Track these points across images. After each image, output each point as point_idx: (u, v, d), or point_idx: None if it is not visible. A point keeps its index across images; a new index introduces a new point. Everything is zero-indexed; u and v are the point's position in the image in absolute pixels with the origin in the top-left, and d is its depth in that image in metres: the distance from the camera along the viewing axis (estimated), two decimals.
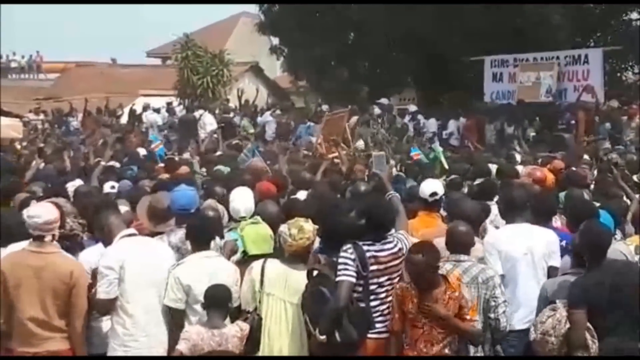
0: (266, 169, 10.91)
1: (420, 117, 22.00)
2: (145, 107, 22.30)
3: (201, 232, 6.07)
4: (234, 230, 6.80)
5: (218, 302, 5.58)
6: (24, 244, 5.88)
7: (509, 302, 5.92)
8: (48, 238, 5.75)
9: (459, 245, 5.99)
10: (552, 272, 6.20)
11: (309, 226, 5.80)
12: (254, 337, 5.61)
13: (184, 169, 11.11)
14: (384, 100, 23.56)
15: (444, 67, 24.21)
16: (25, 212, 5.81)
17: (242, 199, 7.21)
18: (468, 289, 5.74)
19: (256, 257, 6.14)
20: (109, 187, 9.35)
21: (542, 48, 21.38)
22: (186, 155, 13.53)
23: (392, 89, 27.16)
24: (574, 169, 10.52)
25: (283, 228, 5.85)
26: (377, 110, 22.06)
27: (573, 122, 18.76)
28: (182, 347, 5.46)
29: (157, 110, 22.86)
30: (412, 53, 25.27)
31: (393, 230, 5.92)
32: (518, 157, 12.68)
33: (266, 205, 7.19)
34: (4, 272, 5.60)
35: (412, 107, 23.47)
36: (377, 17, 24.59)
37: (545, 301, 5.69)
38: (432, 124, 21.54)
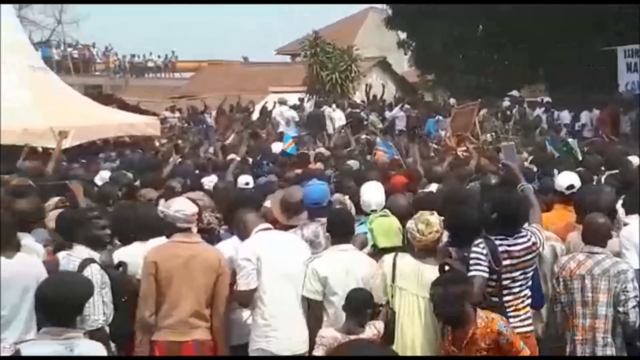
0: (400, 162, 10.95)
1: (553, 109, 21.55)
2: (282, 103, 22.59)
3: (342, 226, 6.14)
4: (364, 224, 6.84)
5: (358, 308, 5.57)
6: (162, 239, 6.12)
7: None
8: (194, 229, 5.99)
9: (595, 236, 5.87)
10: None
11: (435, 219, 5.75)
12: (388, 332, 5.62)
13: (315, 164, 11.28)
14: (515, 93, 23.17)
15: (576, 58, 23.58)
16: (170, 207, 6.01)
17: (372, 192, 7.28)
18: (599, 281, 5.63)
19: (386, 250, 6.15)
20: (243, 182, 9.52)
21: None
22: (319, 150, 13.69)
23: (522, 81, 26.65)
24: None
25: (410, 224, 5.81)
26: (506, 103, 21.73)
27: None
28: (320, 352, 5.50)
29: (294, 107, 23.17)
30: (542, 44, 24.73)
31: (526, 224, 5.82)
32: None
33: (397, 199, 7.20)
34: (157, 263, 5.77)
35: (545, 99, 22.99)
36: (505, 8, 24.18)
37: None
38: (565, 116, 21.07)
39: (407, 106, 23.39)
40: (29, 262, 5.63)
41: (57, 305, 4.42)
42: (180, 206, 5.98)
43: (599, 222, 5.96)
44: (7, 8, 18.23)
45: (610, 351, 5.78)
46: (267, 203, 7.13)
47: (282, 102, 22.52)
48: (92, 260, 5.70)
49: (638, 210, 6.54)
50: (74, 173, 10.57)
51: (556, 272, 6.03)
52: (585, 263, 5.74)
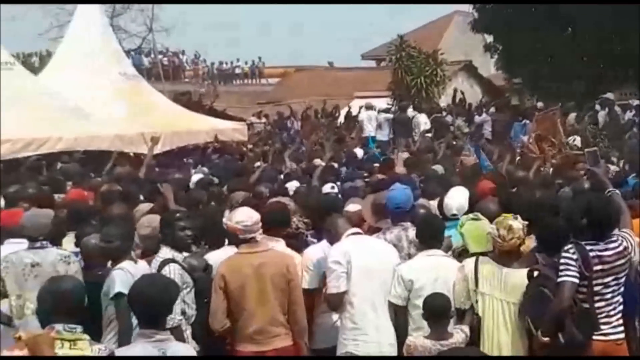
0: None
1: None
2: (369, 107, 22.57)
3: (430, 231, 6.17)
4: (448, 228, 6.80)
5: (442, 313, 5.59)
6: (230, 249, 6.26)
7: None
8: (259, 237, 6.02)
9: None
10: None
11: (517, 224, 5.71)
12: (473, 337, 5.61)
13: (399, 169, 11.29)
14: (606, 95, 22.68)
15: None
16: (231, 219, 6.06)
17: (455, 197, 7.28)
18: None
19: (475, 254, 6.13)
20: (329, 187, 9.57)
21: None
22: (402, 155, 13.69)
23: (611, 83, 26.03)
24: None
25: (492, 229, 5.78)
26: (596, 107, 21.27)
27: None
28: None
29: (386, 111, 23.12)
30: (632, 46, 24.12)
31: (616, 230, 5.72)
32: None
33: (487, 204, 7.10)
34: (226, 276, 5.83)
35: (635, 102, 22.39)
36: (592, 10, 23.70)
37: None
38: None
39: (492, 110, 23.11)
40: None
41: (147, 307, 4.55)
42: (241, 217, 5.99)
43: None
44: (100, 17, 18.80)
45: None
46: (349, 207, 7.18)
47: (369, 107, 22.50)
48: (172, 261, 5.86)
49: None
50: (165, 178, 10.82)
51: None
52: None
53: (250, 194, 8.85)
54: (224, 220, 6.27)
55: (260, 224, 6.02)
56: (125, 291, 5.38)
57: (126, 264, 5.79)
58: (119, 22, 37.11)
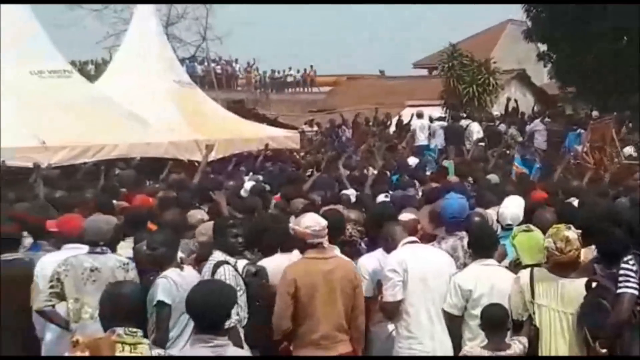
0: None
1: None
2: (419, 116, 22.48)
3: (484, 240, 6.14)
4: (506, 237, 6.72)
5: (500, 324, 5.56)
6: (289, 255, 6.30)
7: None
8: (326, 243, 6.05)
9: None
10: None
11: (573, 235, 5.65)
12: (532, 349, 5.56)
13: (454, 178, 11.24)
14: None
15: None
16: (299, 223, 6.09)
17: (509, 206, 7.24)
18: None
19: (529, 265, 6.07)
20: (382, 196, 9.57)
21: None
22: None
23: None
24: None
25: (548, 241, 5.70)
26: None
27: None
28: None
29: (440, 119, 23.02)
30: None
31: None
32: None
33: (543, 214, 7.07)
34: (297, 280, 5.84)
35: None
36: None
37: None
38: None
39: (547, 119, 22.88)
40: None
41: (206, 312, 4.57)
42: (310, 222, 6.03)
43: None
44: (156, 26, 19.08)
45: None
46: (403, 216, 7.20)
47: (420, 115, 22.42)
48: (225, 262, 5.92)
49: None
50: (218, 185, 10.93)
51: None
52: None
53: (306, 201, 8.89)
54: (291, 225, 6.29)
55: (326, 230, 6.05)
56: (167, 300, 5.58)
57: (170, 272, 5.85)
58: (173, 31, 37.65)
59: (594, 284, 5.41)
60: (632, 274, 5.35)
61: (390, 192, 10.01)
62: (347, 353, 5.93)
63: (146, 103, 16.17)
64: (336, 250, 6.38)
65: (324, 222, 6.06)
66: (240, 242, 6.23)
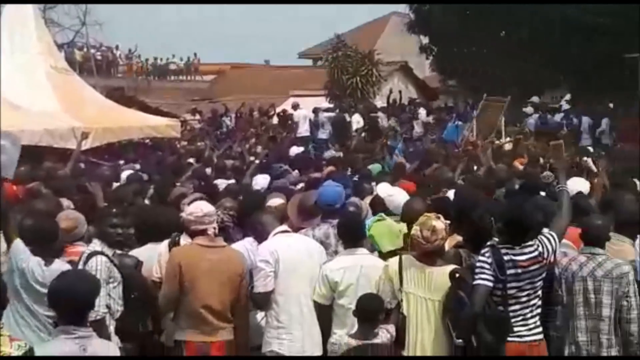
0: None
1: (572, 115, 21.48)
2: (295, 106, 22.53)
3: (352, 230, 6.16)
4: None
5: (371, 313, 5.58)
6: (158, 245, 6.24)
7: None
8: (211, 231, 6.03)
9: (594, 238, 5.88)
10: None
11: (440, 225, 5.67)
12: (399, 337, 5.63)
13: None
14: (534, 99, 23.13)
15: (605, 64, 23.47)
16: (185, 211, 6.17)
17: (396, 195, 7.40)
18: (600, 283, 5.68)
19: (390, 253, 6.17)
20: (259, 185, 9.58)
21: None
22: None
23: (545, 87, 26.54)
24: None
25: (415, 230, 5.70)
26: (529, 109, 21.70)
27: None
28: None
29: (327, 110, 23.09)
30: (567, 50, 24.63)
31: (546, 230, 5.74)
32: None
33: (412, 203, 7.07)
34: (182, 266, 5.82)
35: (565, 105, 22.90)
36: (525, 13, 24.13)
37: None
38: (585, 122, 20.97)
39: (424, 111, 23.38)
40: None
41: (67, 303, 4.43)
42: (192, 209, 6.11)
43: (596, 223, 5.98)
44: (33, 10, 18.42)
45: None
46: (271, 202, 7.17)
47: (295, 107, 22.49)
48: (100, 253, 5.78)
49: None
50: (93, 174, 10.64)
51: (557, 274, 5.99)
52: (587, 265, 5.75)
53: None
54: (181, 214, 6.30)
55: (213, 217, 6.08)
56: None
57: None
58: (51, 15, 36.46)
59: (457, 275, 5.51)
60: (487, 266, 5.47)
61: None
62: (229, 340, 5.89)
63: (21, 89, 15.65)
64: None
65: (208, 209, 6.07)
66: (119, 233, 6.07)
